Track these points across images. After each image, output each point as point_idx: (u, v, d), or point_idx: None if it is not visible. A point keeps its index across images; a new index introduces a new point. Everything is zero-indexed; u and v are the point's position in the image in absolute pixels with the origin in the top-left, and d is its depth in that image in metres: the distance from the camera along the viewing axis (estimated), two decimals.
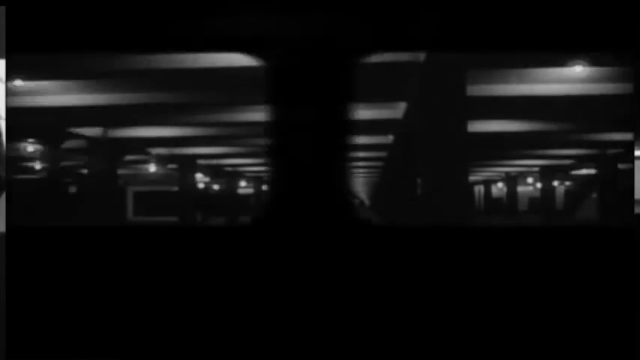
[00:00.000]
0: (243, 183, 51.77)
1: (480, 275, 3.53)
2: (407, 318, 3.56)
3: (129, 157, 32.19)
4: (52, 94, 17.73)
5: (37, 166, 35.93)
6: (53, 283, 3.55)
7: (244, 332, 3.52)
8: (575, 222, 33.60)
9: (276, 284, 3.54)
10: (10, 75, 13.70)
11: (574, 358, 3.49)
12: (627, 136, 25.41)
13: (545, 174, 42.50)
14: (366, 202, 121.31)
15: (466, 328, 3.51)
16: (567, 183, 56.37)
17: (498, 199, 59.96)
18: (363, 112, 20.23)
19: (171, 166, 37.93)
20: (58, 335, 3.54)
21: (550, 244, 3.52)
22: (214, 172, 43.62)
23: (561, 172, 45.24)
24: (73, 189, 49.18)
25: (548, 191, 42.51)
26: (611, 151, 32.44)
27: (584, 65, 14.81)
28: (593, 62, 14.46)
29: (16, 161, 33.22)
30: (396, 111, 19.90)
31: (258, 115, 20.91)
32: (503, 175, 53.00)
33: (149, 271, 3.53)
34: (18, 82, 15.89)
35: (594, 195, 43.81)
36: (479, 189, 68.08)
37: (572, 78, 15.89)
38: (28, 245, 3.56)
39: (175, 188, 37.49)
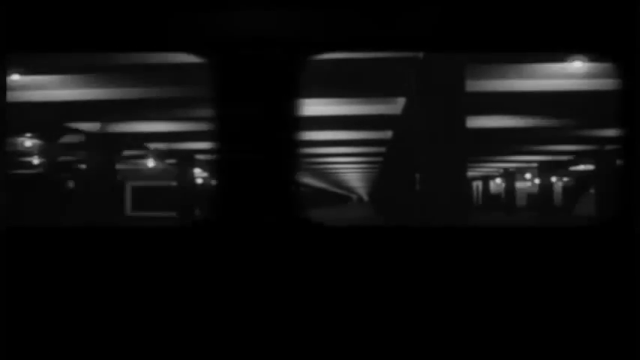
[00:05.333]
0: None
1: (477, 276, 3.51)
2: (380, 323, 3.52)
3: (127, 152, 32.17)
4: (50, 89, 17.70)
5: (35, 161, 35.88)
6: (53, 283, 3.54)
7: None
8: (574, 221, 33.65)
9: (221, 285, 3.50)
10: (7, 70, 13.67)
11: (574, 358, 3.48)
12: (626, 132, 25.33)
13: (544, 170, 42.50)
14: (365, 198, 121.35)
15: (458, 331, 3.49)
16: (565, 179, 56.38)
17: (496, 196, 59.93)
18: (362, 108, 20.21)
19: (169, 161, 37.88)
20: (58, 336, 3.54)
21: (549, 244, 3.51)
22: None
23: (559, 168, 45.24)
24: (70, 184, 49.14)
25: (546, 187, 42.52)
26: (609, 147, 32.44)
27: (582, 61, 14.80)
28: (592, 58, 14.45)
29: (14, 156, 33.18)
30: (395, 106, 19.88)
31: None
32: (502, 171, 53.02)
33: (149, 271, 3.52)
34: (16, 77, 15.86)
35: (592, 191, 43.82)
36: (477, 185, 68.08)
37: (571, 74, 15.88)
38: (28, 245, 3.55)
39: (174, 183, 37.46)
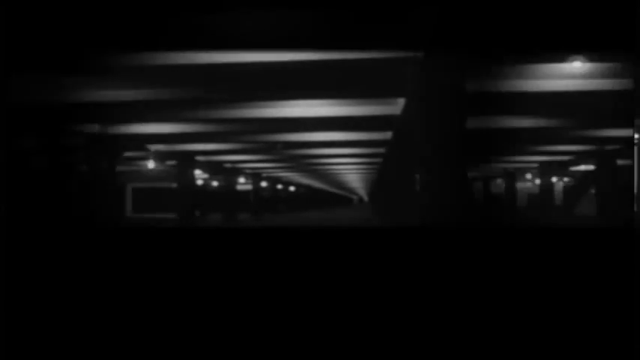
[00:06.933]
0: (242, 180, 51.75)
1: (479, 276, 3.52)
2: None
3: (128, 154, 32.18)
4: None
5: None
6: (53, 282, 3.55)
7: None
8: (575, 222, 33.71)
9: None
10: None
11: (574, 358, 3.49)
12: (627, 132, 25.40)
13: (544, 170, 42.48)
14: (365, 198, 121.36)
15: (459, 330, 3.49)
16: (566, 179, 56.35)
17: (497, 196, 59.90)
18: (362, 108, 20.21)
19: (170, 162, 37.91)
20: (58, 335, 3.54)
21: (550, 244, 3.53)
22: (213, 168, 43.61)
23: (560, 168, 45.23)
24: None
25: (546, 187, 42.50)
26: (610, 148, 32.44)
27: (583, 61, 14.80)
28: (592, 58, 14.44)
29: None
30: (395, 107, 19.89)
31: (257, 111, 20.88)
32: (502, 171, 53.00)
33: (149, 271, 3.53)
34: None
35: (593, 191, 43.81)
36: (477, 185, 68.03)
37: (571, 74, 15.88)
38: (29, 245, 3.56)
39: (174, 185, 37.45)
